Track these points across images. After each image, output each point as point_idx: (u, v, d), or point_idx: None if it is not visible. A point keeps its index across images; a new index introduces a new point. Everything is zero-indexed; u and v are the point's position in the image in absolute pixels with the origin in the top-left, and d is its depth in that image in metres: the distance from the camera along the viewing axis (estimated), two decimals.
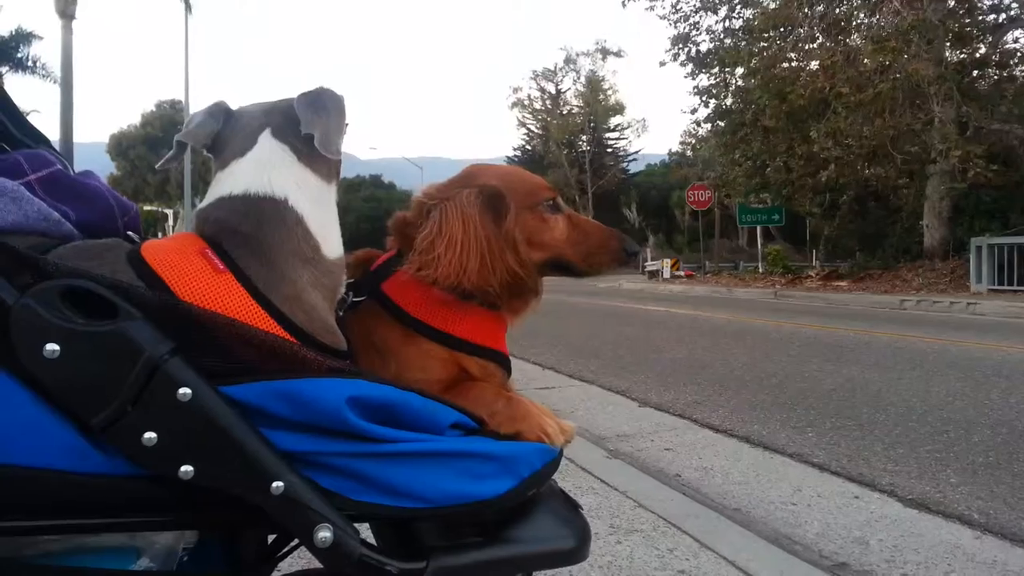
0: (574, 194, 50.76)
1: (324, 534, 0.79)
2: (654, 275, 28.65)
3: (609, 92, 52.86)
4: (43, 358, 0.70)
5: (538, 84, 55.37)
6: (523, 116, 56.87)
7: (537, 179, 1.15)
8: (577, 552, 1.00)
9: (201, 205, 0.88)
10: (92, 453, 0.73)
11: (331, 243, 0.90)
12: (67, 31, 18.41)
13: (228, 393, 0.77)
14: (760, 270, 24.35)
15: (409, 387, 0.87)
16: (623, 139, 56.32)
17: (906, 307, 13.73)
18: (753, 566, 2.46)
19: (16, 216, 0.82)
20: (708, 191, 28.32)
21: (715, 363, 7.08)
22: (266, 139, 0.90)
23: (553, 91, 54.65)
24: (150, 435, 0.73)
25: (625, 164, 57.34)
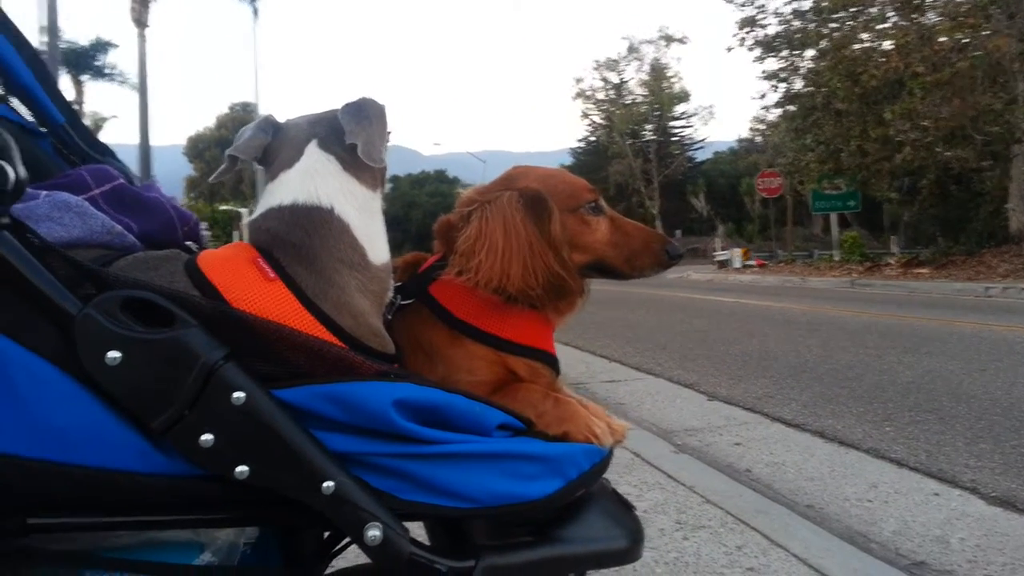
0: (640, 184, 50.20)
1: (374, 532, 0.81)
2: (724, 265, 28.14)
3: (674, 80, 52.09)
4: (105, 365, 0.73)
5: (601, 74, 54.96)
6: (586, 107, 56.53)
7: (579, 181, 1.14)
8: (629, 552, 0.99)
9: (253, 216, 0.91)
10: (154, 454, 0.77)
11: (377, 249, 0.92)
12: (142, 39, 19.19)
13: (280, 396, 0.80)
14: (836, 258, 23.62)
15: (455, 389, 0.89)
16: (689, 127, 55.52)
17: (991, 295, 13.14)
18: (826, 564, 2.40)
19: (81, 230, 0.87)
20: (779, 178, 27.64)
21: (788, 355, 6.92)
22: (312, 150, 0.92)
23: (616, 81, 54.13)
24: (207, 437, 0.76)
25: (692, 152, 56.42)
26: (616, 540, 0.99)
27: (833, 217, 28.07)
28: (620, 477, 3.28)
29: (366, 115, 0.92)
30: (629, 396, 5.37)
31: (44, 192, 0.89)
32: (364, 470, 0.84)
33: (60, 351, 0.74)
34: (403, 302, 1.04)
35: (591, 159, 60.06)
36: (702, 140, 57.18)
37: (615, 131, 52.32)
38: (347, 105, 0.93)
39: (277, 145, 0.94)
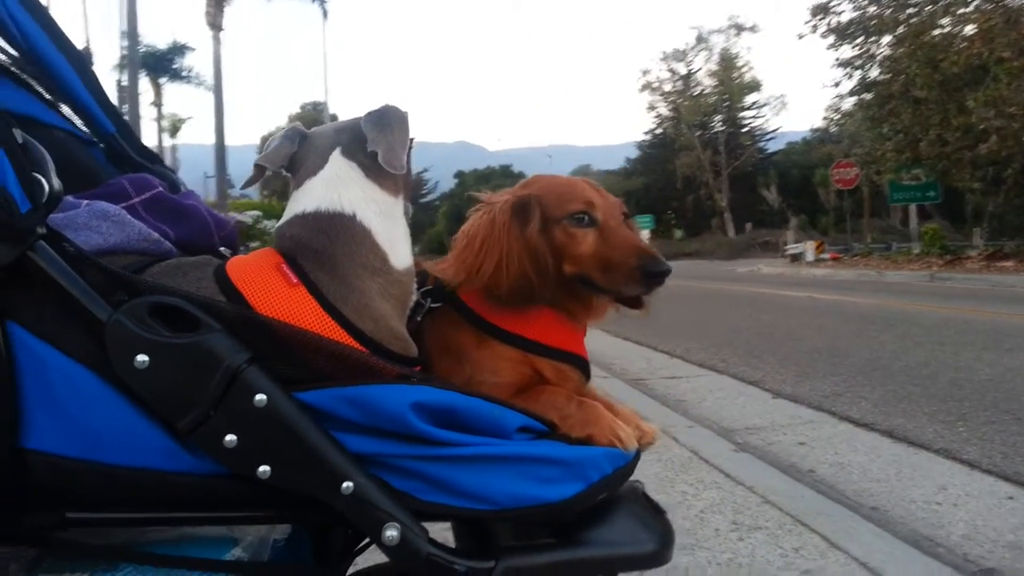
0: (708, 177, 49.31)
1: (391, 532, 0.82)
2: (796, 259, 27.44)
3: (744, 69, 51.03)
4: (134, 368, 0.77)
5: (668, 65, 54.20)
6: (653, 99, 55.85)
7: (576, 192, 1.11)
8: (657, 556, 0.99)
9: (280, 223, 0.93)
10: (182, 454, 0.80)
11: (399, 254, 0.94)
12: (217, 41, 19.81)
13: (302, 399, 0.82)
14: (915, 251, 22.75)
15: (475, 392, 0.90)
16: (760, 117, 54.35)
17: None
18: (887, 568, 2.33)
19: (118, 238, 0.91)
20: (855, 168, 26.78)
21: (859, 352, 6.71)
22: (336, 158, 0.94)
23: (684, 72, 53.27)
24: (231, 438, 0.79)
25: (763, 143, 55.12)
26: (643, 544, 0.99)
27: (912, 208, 27.06)
28: (676, 476, 3.25)
29: (387, 122, 0.94)
30: (690, 393, 5.29)
31: (85, 201, 0.94)
32: (384, 471, 0.86)
33: (95, 356, 0.78)
34: (432, 305, 1.06)
35: (658, 152, 59.37)
36: (774, 130, 55.86)
37: (683, 123, 51.58)
38: (370, 113, 0.95)
39: (303, 153, 0.97)
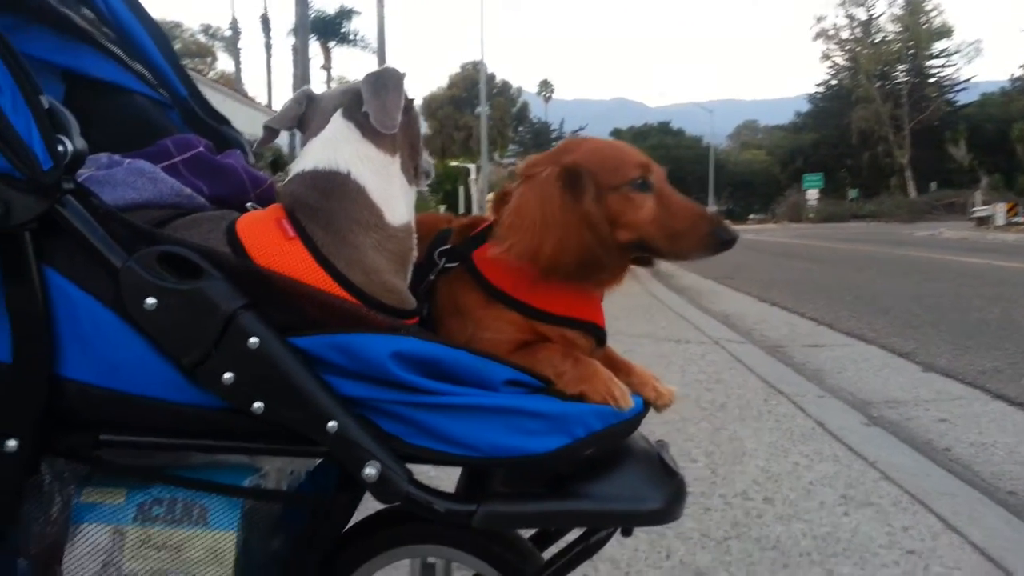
0: (887, 132, 45.68)
1: (370, 470, 0.88)
2: (983, 222, 25.05)
3: (933, 13, 46.45)
4: (144, 309, 0.86)
5: (846, 10, 50.34)
6: (828, 48, 52.24)
7: (628, 156, 1.09)
8: (660, 514, 0.99)
9: (285, 180, 1.00)
10: (189, 387, 0.89)
11: (395, 211, 0.98)
12: (380, 4, 20.46)
13: (295, 343, 0.89)
14: None
15: (460, 345, 0.93)
16: (950, 66, 49.37)
17: None
18: (1007, 558, 2.15)
19: (151, 193, 1.01)
20: None
21: None
22: (336, 118, 0.99)
23: (864, 17, 49.30)
24: (228, 375, 0.87)
25: (952, 95, 50.22)
26: (645, 501, 0.99)
27: None
28: (793, 446, 3.13)
29: (383, 84, 0.97)
30: (830, 363, 5.04)
31: (128, 160, 1.05)
32: (375, 414, 0.91)
33: (114, 298, 0.88)
34: (448, 265, 1.09)
35: (831, 105, 55.68)
36: (965, 80, 50.73)
37: (860, 73, 47.94)
38: (368, 75, 0.99)
39: (310, 115, 1.02)
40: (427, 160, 1.10)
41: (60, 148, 0.86)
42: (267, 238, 0.92)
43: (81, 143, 0.88)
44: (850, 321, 6.64)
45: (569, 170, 1.05)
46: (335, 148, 0.97)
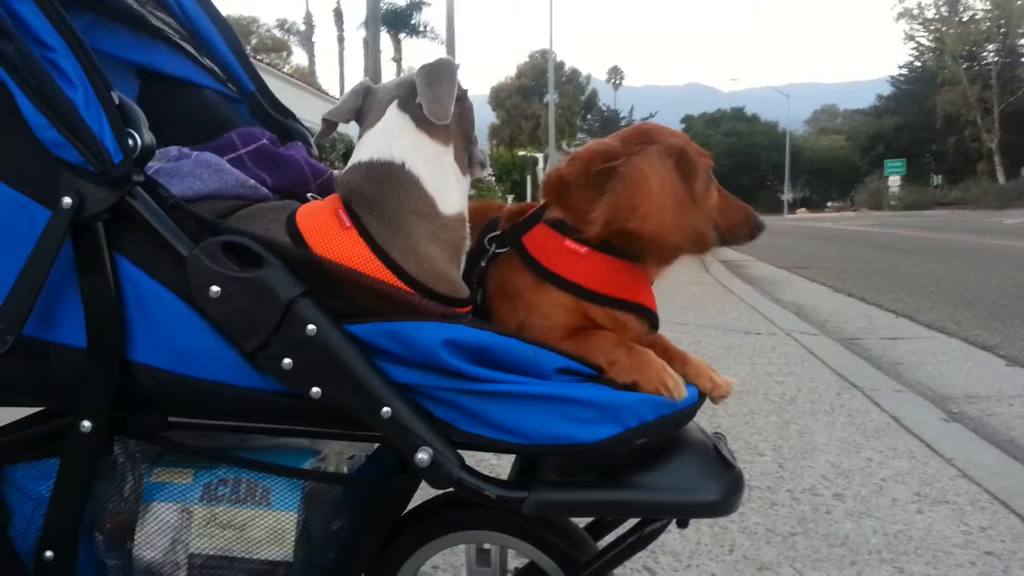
0: (974, 115, 43.59)
1: (422, 455, 0.90)
2: None
3: None
4: (208, 297, 0.89)
5: None
6: (911, 28, 50.04)
7: (698, 146, 1.14)
8: (716, 506, 0.98)
9: (342, 171, 1.02)
10: (251, 372, 0.92)
11: (449, 200, 0.99)
12: None
13: (351, 331, 0.91)
14: None
15: (512, 334, 0.94)
16: None
17: None
18: None
19: (217, 184, 1.04)
20: None
21: None
22: (392, 110, 1.01)
23: None
24: (287, 361, 0.90)
25: None
26: (700, 493, 0.98)
27: None
28: (865, 441, 3.04)
29: (437, 75, 0.98)
30: (909, 356, 4.86)
31: (195, 153, 1.09)
32: (427, 401, 0.93)
33: (182, 286, 0.92)
34: (498, 251, 1.10)
35: (914, 87, 53.47)
36: None
37: (946, 54, 45.81)
38: (422, 66, 1.00)
39: (367, 108, 1.04)
40: (482, 150, 1.11)
41: (130, 142, 0.90)
42: (324, 228, 0.95)
43: (150, 137, 0.92)
44: (931, 313, 6.39)
45: (677, 150, 1.07)
46: (390, 139, 0.98)
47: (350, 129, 1.11)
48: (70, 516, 0.99)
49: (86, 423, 0.95)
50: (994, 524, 2.26)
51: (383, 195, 0.95)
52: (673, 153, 1.07)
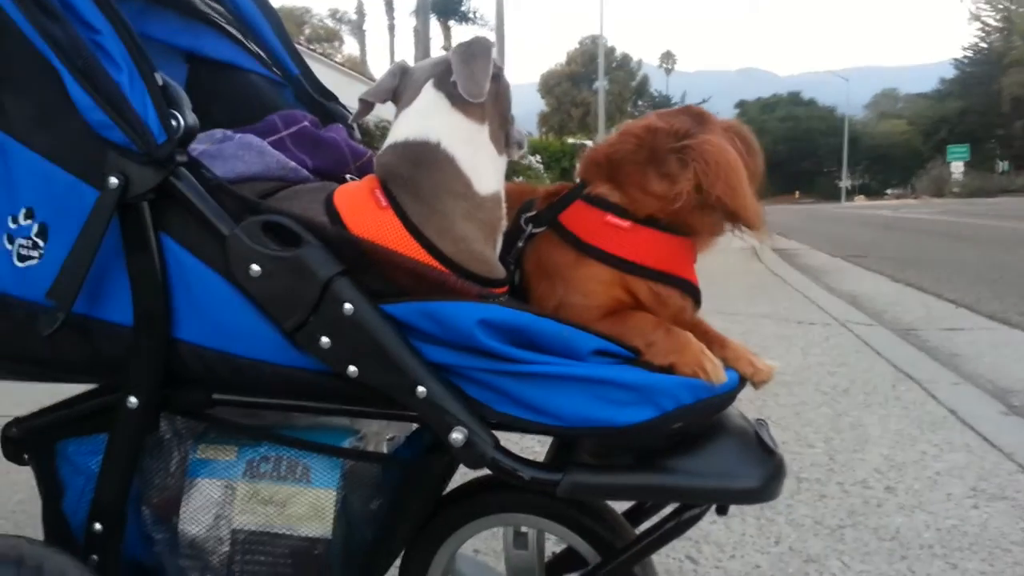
0: None
1: (456, 435, 0.90)
2: None
3: None
4: (249, 276, 0.91)
5: None
6: (977, 7, 48.22)
7: None
8: (756, 492, 0.96)
9: (380, 151, 1.02)
10: (291, 350, 0.93)
11: (484, 180, 0.98)
12: None
13: (387, 310, 0.91)
14: None
15: (547, 314, 0.93)
16: None
17: None
18: None
19: (259, 166, 1.06)
20: None
21: None
22: (428, 89, 1.00)
23: None
24: (325, 339, 0.91)
25: None
26: (739, 479, 0.96)
27: None
28: (921, 434, 2.96)
29: (472, 53, 0.97)
30: (969, 347, 4.70)
31: (238, 135, 1.10)
32: (463, 381, 0.93)
33: (224, 265, 0.93)
34: (534, 231, 1.09)
35: (980, 70, 51.56)
36: None
37: (1014, 34, 44.00)
38: (459, 44, 0.99)
39: (403, 88, 1.04)
40: (519, 130, 1.10)
41: (173, 123, 0.91)
42: (361, 208, 0.95)
43: (193, 118, 0.93)
44: (993, 303, 6.18)
45: (741, 133, 1.12)
46: (425, 118, 0.98)
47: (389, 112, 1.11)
48: (118, 490, 1.01)
49: (133, 399, 0.97)
50: None
51: (418, 175, 0.95)
52: (734, 132, 1.10)
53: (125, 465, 1.01)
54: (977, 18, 51.57)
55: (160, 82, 0.92)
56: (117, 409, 0.99)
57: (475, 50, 0.98)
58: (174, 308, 0.96)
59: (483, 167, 0.98)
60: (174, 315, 0.96)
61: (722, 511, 1.07)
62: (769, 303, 6.03)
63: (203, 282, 0.95)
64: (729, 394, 0.96)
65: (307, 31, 51.82)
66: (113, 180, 0.91)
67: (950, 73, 60.47)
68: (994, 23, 50.25)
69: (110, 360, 0.99)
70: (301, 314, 0.91)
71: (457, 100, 0.98)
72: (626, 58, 64.42)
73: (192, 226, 0.95)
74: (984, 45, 52.73)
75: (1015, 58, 45.69)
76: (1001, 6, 48.15)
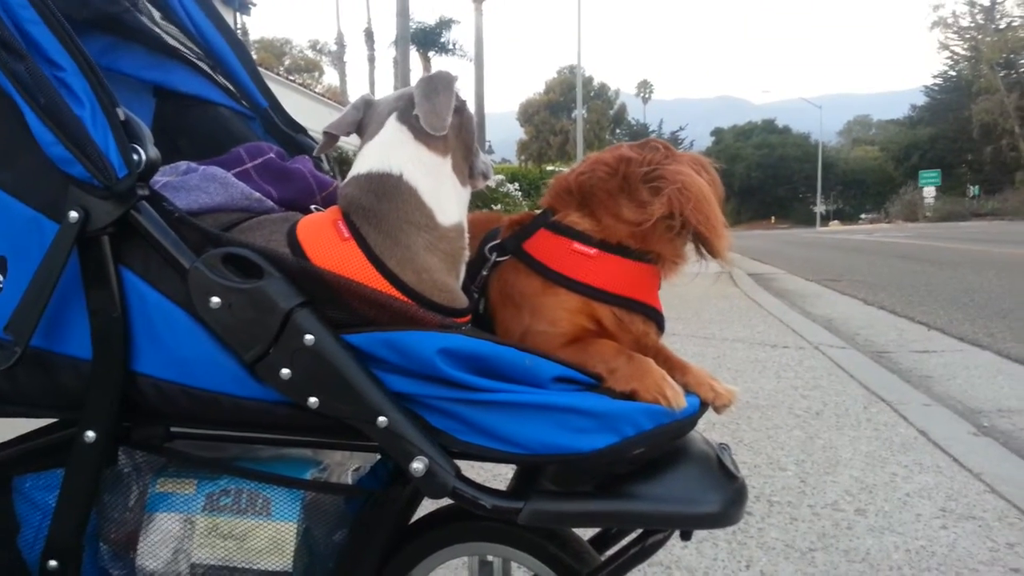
0: (1012, 124, 42.79)
1: (417, 465, 0.90)
2: None
3: None
4: (209, 308, 0.91)
5: None
6: (946, 37, 49.40)
7: None
8: (718, 517, 0.97)
9: (343, 183, 1.03)
10: (251, 382, 0.93)
11: (447, 211, 1.00)
12: (479, 13, 20.73)
13: (349, 340, 0.92)
14: None
15: (509, 342, 0.94)
16: None
17: None
18: None
19: (223, 197, 1.07)
20: None
21: None
22: (391, 123, 1.02)
23: (987, 3, 46.41)
24: (286, 371, 0.91)
25: None
26: (701, 504, 0.97)
27: None
28: (891, 455, 2.98)
29: (434, 87, 0.99)
30: (940, 369, 4.76)
31: (202, 167, 1.11)
32: (425, 410, 0.94)
33: (185, 297, 0.94)
34: (499, 259, 1.10)
35: (949, 97, 52.72)
36: None
37: (982, 62, 45.11)
38: (421, 79, 1.01)
39: (367, 120, 1.06)
40: (484, 161, 1.11)
41: (135, 157, 0.92)
42: (324, 239, 0.96)
43: (155, 152, 0.94)
44: (964, 325, 6.27)
45: (705, 161, 1.16)
46: (388, 151, 1.00)
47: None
48: (74, 526, 1.00)
49: (90, 433, 0.97)
50: (1022, 540, 2.21)
51: (381, 206, 0.96)
52: (699, 163, 1.13)
53: (82, 500, 1.00)
54: (946, 47, 52.87)
55: (122, 116, 0.93)
56: (74, 443, 0.98)
57: (437, 84, 0.99)
58: (134, 341, 0.96)
59: (446, 198, 1.00)
60: (133, 348, 0.96)
61: (686, 536, 1.08)
62: (744, 327, 6.07)
63: (163, 315, 0.95)
64: (690, 419, 0.97)
65: (287, 62, 51.99)
66: (73, 214, 0.91)
67: (921, 100, 61.77)
68: (962, 52, 51.53)
69: (68, 394, 0.98)
70: (262, 346, 0.91)
71: (420, 133, 0.99)
72: (604, 87, 65.19)
73: (153, 259, 0.95)
74: (953, 74, 54.01)
75: (983, 86, 46.81)
76: (969, 36, 49.40)
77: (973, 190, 50.67)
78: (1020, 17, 46.32)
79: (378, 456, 1.17)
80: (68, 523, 1.01)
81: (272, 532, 1.01)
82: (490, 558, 1.21)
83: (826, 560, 2.05)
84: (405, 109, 1.01)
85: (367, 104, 1.07)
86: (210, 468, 1.05)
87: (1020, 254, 13.66)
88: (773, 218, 63.51)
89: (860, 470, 2.80)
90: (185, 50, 1.39)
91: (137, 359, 0.96)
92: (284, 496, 1.02)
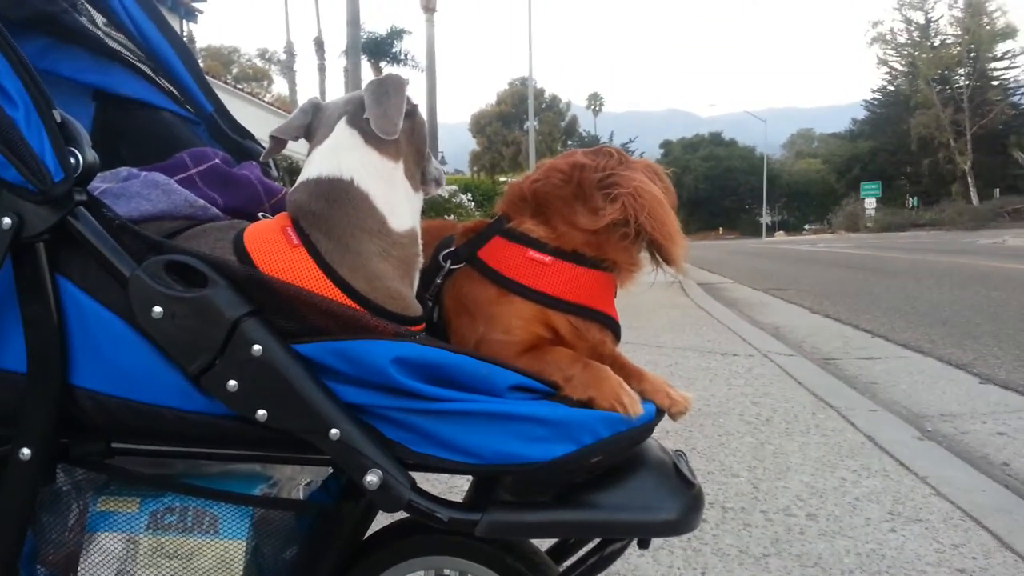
0: (948, 138, 44.37)
1: (371, 478, 0.88)
2: None
3: (996, 14, 45.05)
4: (151, 318, 0.88)
5: (903, 15, 49.22)
6: (885, 53, 51.08)
7: None
8: (676, 525, 0.96)
9: (291, 189, 1.00)
10: (196, 395, 0.90)
11: (400, 216, 0.98)
12: (430, 23, 20.70)
13: (299, 350, 0.89)
14: None
15: (464, 350, 0.92)
16: (1014, 68, 47.74)
17: None
18: None
19: (166, 204, 1.03)
20: None
21: None
22: (341, 126, 1.00)
23: (922, 21, 48.14)
24: (232, 383, 0.88)
25: (1017, 97, 48.54)
26: (658, 512, 0.97)
27: None
28: (840, 461, 3.03)
29: (384, 90, 0.97)
30: (884, 375, 4.88)
31: (144, 173, 1.07)
32: (378, 421, 0.91)
33: (125, 307, 0.90)
34: (453, 267, 1.09)
35: (888, 111, 54.45)
36: None
37: (919, 78, 46.71)
38: (371, 82, 0.99)
39: (316, 125, 1.03)
40: (437, 167, 1.10)
41: (72, 160, 0.88)
42: (272, 246, 0.93)
43: (92, 156, 0.90)
44: (907, 332, 6.44)
45: (657, 168, 1.16)
46: (338, 155, 0.97)
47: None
48: (9, 548, 0.95)
49: (26, 450, 0.92)
50: (966, 541, 2.26)
51: (331, 212, 0.94)
52: (652, 171, 1.14)
53: (17, 521, 0.95)
54: (885, 63, 54.56)
55: (58, 118, 0.89)
56: (9, 461, 0.93)
57: (388, 87, 0.97)
58: (71, 353, 0.91)
59: (398, 204, 0.98)
60: (71, 360, 0.91)
61: (643, 544, 1.07)
62: (695, 336, 6.14)
63: (102, 325, 0.91)
64: (647, 426, 0.97)
65: (235, 70, 51.21)
66: (6, 220, 0.87)
67: (861, 114, 63.62)
68: (900, 68, 53.26)
69: (3, 409, 0.93)
70: (207, 357, 0.88)
71: (370, 137, 0.97)
72: (555, 99, 65.68)
73: (91, 268, 0.91)
74: (892, 88, 55.77)
75: (920, 100, 48.40)
76: (906, 52, 51.10)
77: (912, 201, 52.31)
78: (953, 35, 48.09)
79: (330, 470, 1.14)
80: (3, 545, 0.95)
81: (220, 551, 0.97)
82: (447, 572, 1.18)
83: (780, 565, 2.07)
84: (355, 112, 0.99)
85: (316, 108, 1.05)
86: (154, 485, 1.01)
87: (957, 263, 14.13)
88: (721, 229, 64.72)
89: (810, 475, 2.84)
90: (127, 53, 1.35)
91: (75, 372, 0.91)
92: (232, 513, 0.99)
